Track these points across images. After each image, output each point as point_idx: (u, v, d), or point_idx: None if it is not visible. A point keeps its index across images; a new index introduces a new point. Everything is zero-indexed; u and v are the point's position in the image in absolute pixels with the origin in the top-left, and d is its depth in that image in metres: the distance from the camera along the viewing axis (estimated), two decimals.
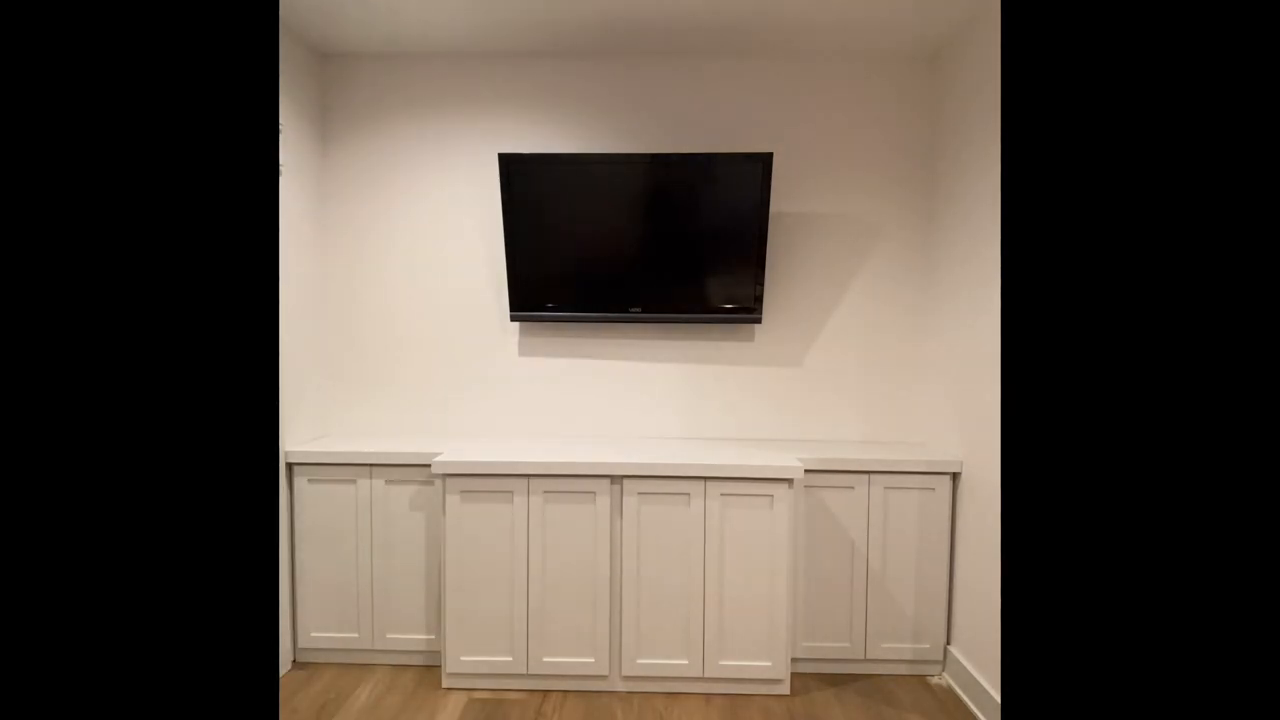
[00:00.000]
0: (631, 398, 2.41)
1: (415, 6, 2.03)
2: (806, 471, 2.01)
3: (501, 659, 1.99)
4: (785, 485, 1.96)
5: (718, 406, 2.41)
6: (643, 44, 2.26)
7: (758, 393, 2.40)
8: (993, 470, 1.89)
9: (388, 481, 2.11)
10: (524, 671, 1.99)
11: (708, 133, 2.33)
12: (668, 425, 2.42)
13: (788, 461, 1.97)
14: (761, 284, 2.24)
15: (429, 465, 1.98)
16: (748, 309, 2.27)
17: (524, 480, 1.97)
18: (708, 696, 1.99)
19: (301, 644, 2.15)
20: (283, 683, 2.04)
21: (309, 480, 2.12)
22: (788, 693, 1.99)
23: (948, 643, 2.12)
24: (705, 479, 1.96)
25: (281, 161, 2.09)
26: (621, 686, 2.01)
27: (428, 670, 2.11)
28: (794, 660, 2.07)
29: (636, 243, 2.27)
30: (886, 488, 2.09)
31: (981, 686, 1.89)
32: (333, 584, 2.13)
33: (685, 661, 1.99)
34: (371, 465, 2.11)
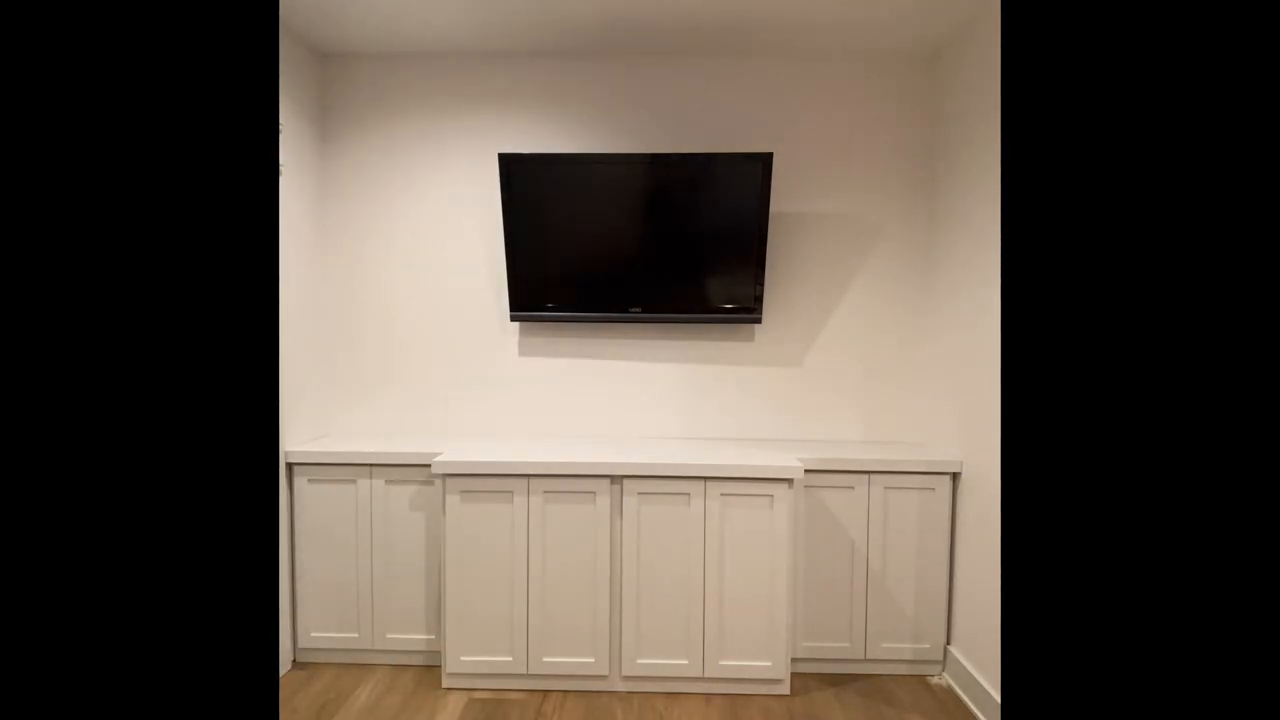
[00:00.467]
0: (631, 398, 2.41)
1: (415, 6, 2.03)
2: (806, 471, 2.01)
3: (501, 659, 1.99)
4: (785, 485, 1.96)
5: (718, 406, 2.41)
6: (643, 44, 2.26)
7: (758, 393, 2.40)
8: (993, 470, 1.89)
9: (388, 481, 2.11)
10: (524, 671, 1.99)
11: (708, 133, 2.33)
12: (668, 425, 2.42)
13: (788, 461, 1.97)
14: (761, 284, 2.24)
15: (429, 465, 1.98)
16: (748, 309, 2.27)
17: (524, 480, 1.97)
18: (708, 696, 1.99)
19: (301, 644, 2.15)
20: (283, 683, 2.04)
21: (309, 480, 2.12)
22: (788, 693, 1.99)
23: (948, 643, 2.12)
24: (705, 479, 1.96)
25: (281, 161, 2.09)
26: (621, 686, 2.01)
27: (428, 670, 2.11)
28: (794, 660, 2.07)
29: (636, 243, 2.27)
30: (886, 488, 2.09)
31: (981, 686, 1.89)
32: (333, 584, 2.13)
33: (685, 661, 1.99)
34: (371, 465, 2.11)
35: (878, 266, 2.37)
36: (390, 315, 2.42)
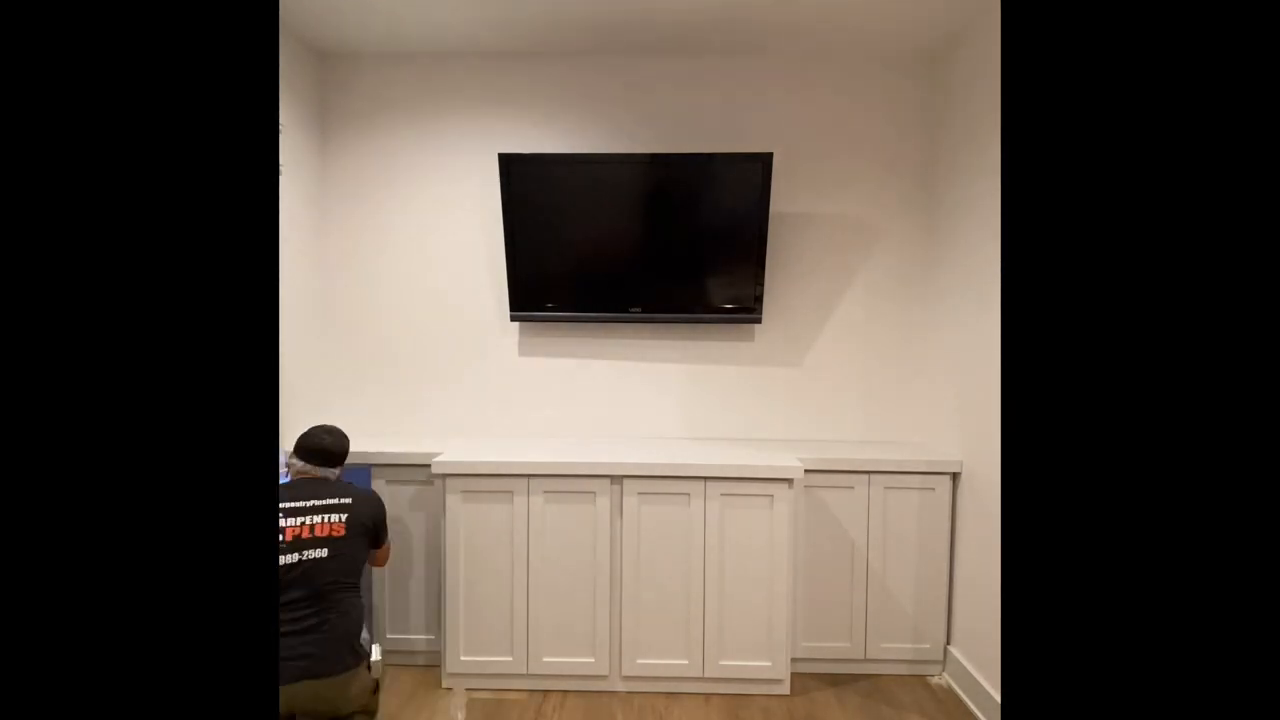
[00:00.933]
0: (631, 398, 2.41)
1: (415, 6, 2.03)
2: (806, 471, 2.01)
3: (501, 659, 1.99)
4: (785, 485, 1.96)
5: (718, 406, 2.41)
6: (643, 44, 2.26)
7: (758, 393, 2.40)
8: (993, 470, 1.89)
9: (388, 481, 2.11)
10: (524, 671, 1.99)
11: (708, 133, 2.33)
12: (668, 425, 2.42)
13: (788, 461, 1.97)
14: (761, 284, 2.24)
15: (429, 465, 1.98)
16: (748, 309, 2.27)
17: (524, 480, 1.97)
18: (708, 696, 1.99)
19: None
20: None
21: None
22: (788, 693, 1.99)
23: (948, 643, 2.12)
24: (705, 479, 1.96)
25: (281, 161, 2.09)
26: (621, 686, 2.01)
27: (428, 670, 2.11)
28: (794, 660, 2.07)
29: (636, 243, 2.27)
30: (886, 488, 2.09)
31: (981, 686, 1.89)
32: None
33: (685, 661, 1.99)
34: (371, 465, 2.11)
35: (878, 266, 2.37)
36: (390, 315, 2.42)
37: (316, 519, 1.63)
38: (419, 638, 2.13)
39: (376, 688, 1.62)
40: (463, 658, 1.99)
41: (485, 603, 1.99)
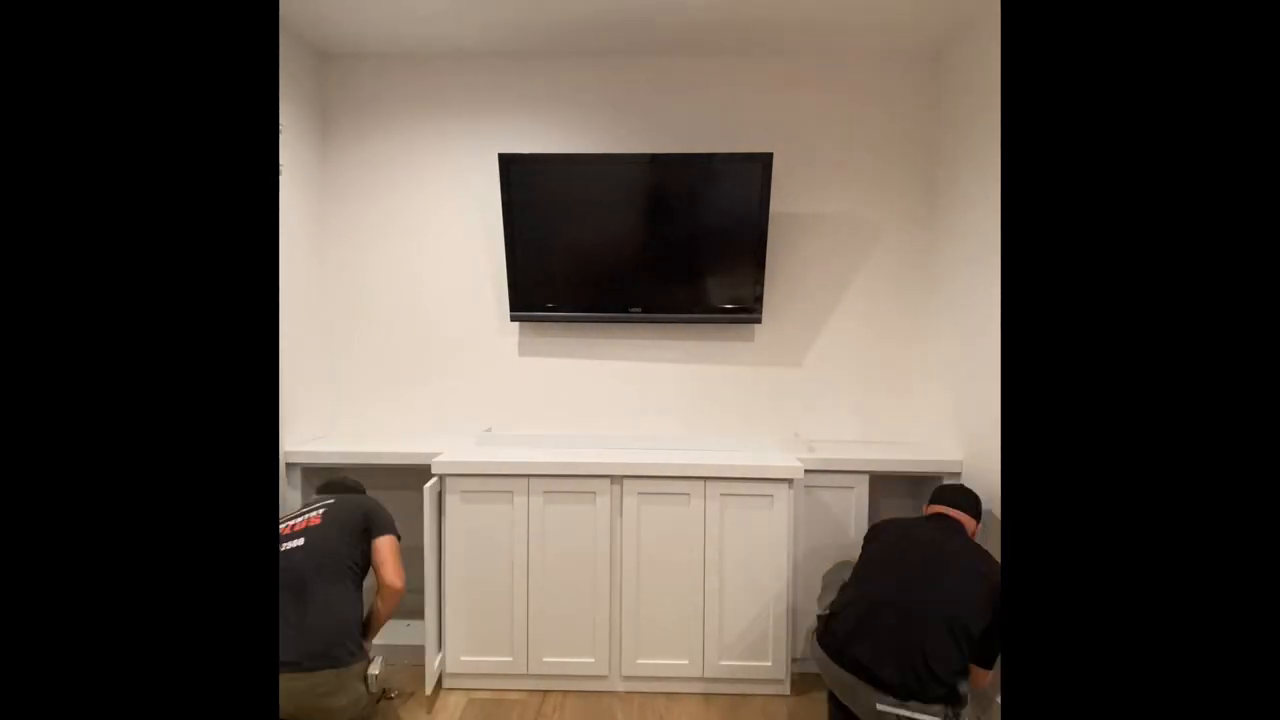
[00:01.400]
0: (631, 398, 2.41)
1: (415, 6, 2.03)
2: (806, 471, 2.00)
3: (501, 659, 1.99)
4: (785, 485, 1.96)
5: (718, 406, 2.41)
6: (643, 44, 2.26)
7: (758, 393, 2.40)
8: (993, 470, 1.89)
9: (388, 481, 2.11)
10: (524, 671, 1.99)
11: (708, 133, 2.33)
12: (668, 425, 2.41)
13: (788, 461, 1.97)
14: (761, 284, 2.24)
15: (429, 465, 1.98)
16: (748, 309, 2.27)
17: (524, 480, 1.97)
18: (708, 697, 1.99)
19: None
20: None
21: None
22: (788, 693, 1.99)
23: None
24: (705, 479, 1.96)
25: (281, 161, 2.09)
26: (621, 686, 2.01)
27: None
28: (794, 660, 2.06)
29: (636, 243, 2.27)
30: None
31: None
32: None
33: (685, 661, 1.99)
34: (371, 465, 2.11)
35: (878, 266, 2.37)
36: (390, 315, 2.42)
37: (298, 519, 1.63)
38: (419, 638, 2.12)
39: (375, 701, 1.53)
40: (463, 658, 1.99)
41: (485, 603, 1.99)
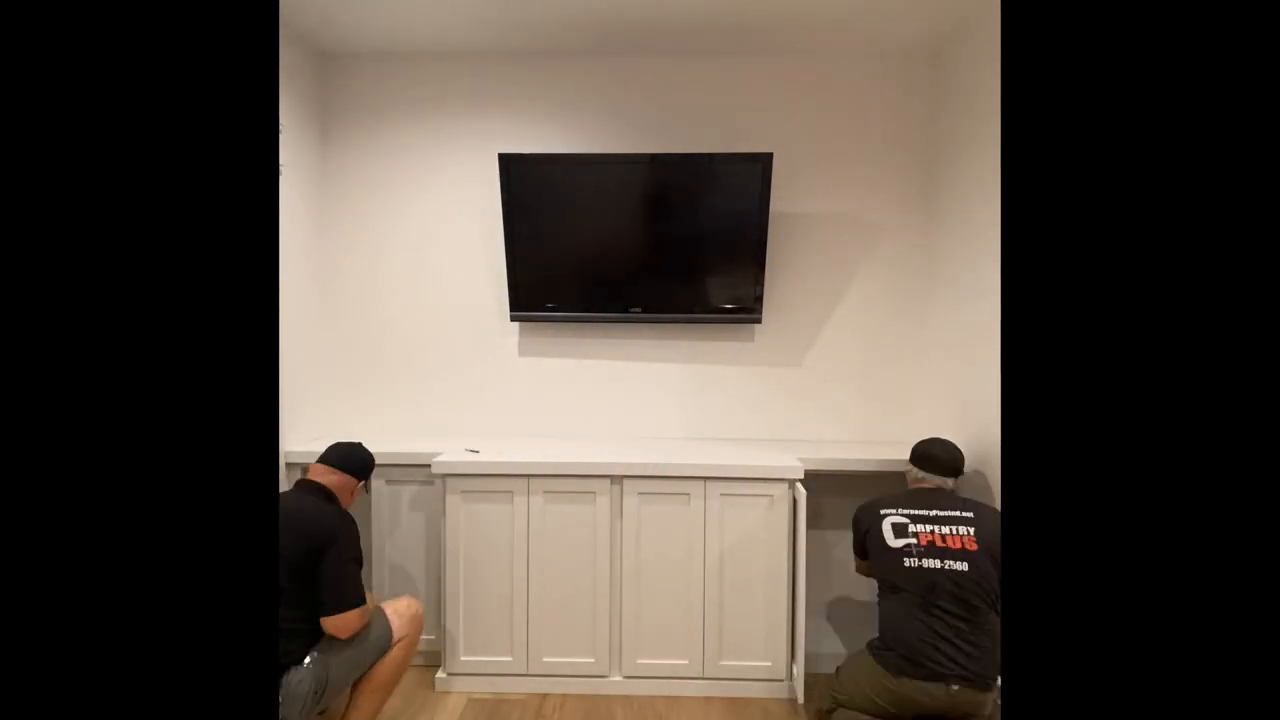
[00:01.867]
0: (632, 398, 2.41)
1: (415, 6, 2.03)
2: (806, 471, 2.00)
3: (501, 659, 1.99)
4: (785, 485, 1.96)
5: (718, 406, 2.41)
6: (643, 44, 2.26)
7: (758, 393, 2.40)
8: (993, 470, 1.89)
9: (388, 481, 2.11)
10: (524, 671, 1.99)
11: (708, 133, 2.33)
12: (668, 425, 2.41)
13: (788, 461, 1.97)
14: (761, 284, 2.24)
15: (429, 465, 1.98)
16: (748, 309, 2.27)
17: (524, 480, 1.97)
18: (708, 696, 1.98)
19: None
20: None
21: None
22: (788, 693, 1.99)
23: None
24: (705, 479, 1.96)
25: (281, 161, 2.09)
26: (621, 686, 2.01)
27: (428, 670, 2.11)
28: (795, 660, 2.06)
29: (636, 243, 2.27)
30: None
31: None
32: None
33: (685, 661, 1.99)
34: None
35: (878, 266, 2.37)
36: (390, 315, 2.42)
37: (937, 536, 1.67)
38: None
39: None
40: (463, 657, 1.99)
41: (485, 602, 1.99)
